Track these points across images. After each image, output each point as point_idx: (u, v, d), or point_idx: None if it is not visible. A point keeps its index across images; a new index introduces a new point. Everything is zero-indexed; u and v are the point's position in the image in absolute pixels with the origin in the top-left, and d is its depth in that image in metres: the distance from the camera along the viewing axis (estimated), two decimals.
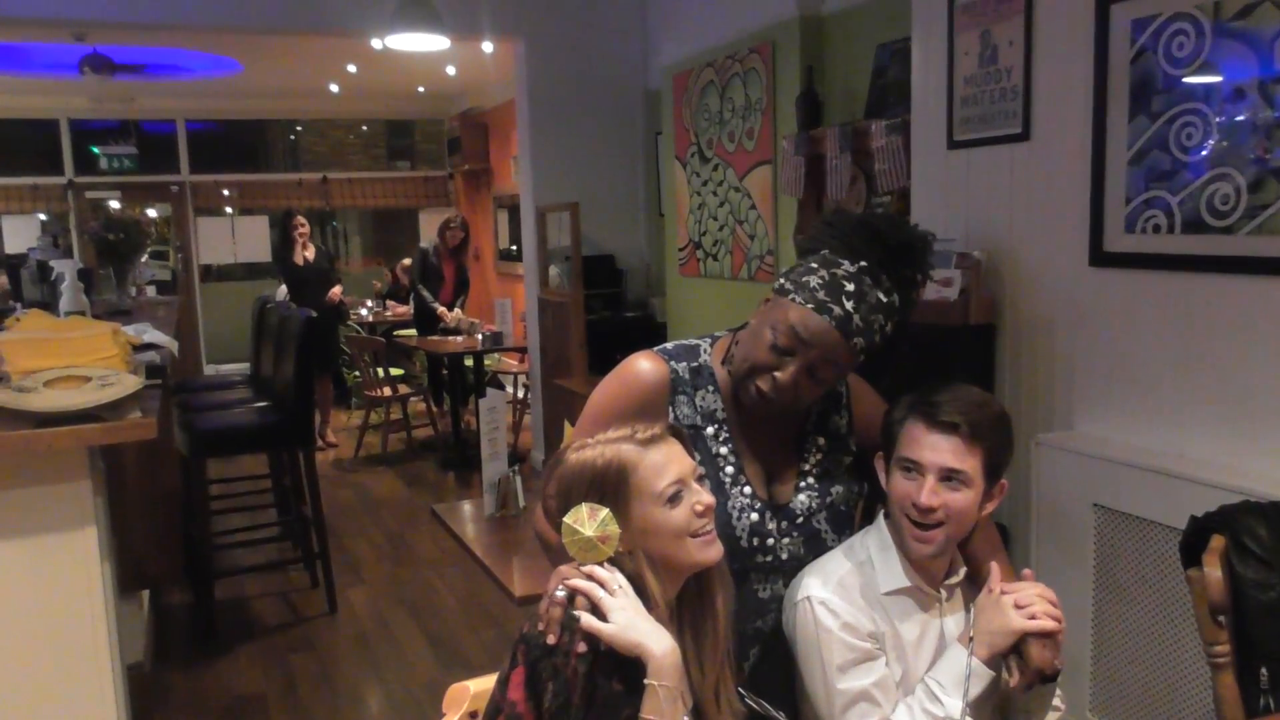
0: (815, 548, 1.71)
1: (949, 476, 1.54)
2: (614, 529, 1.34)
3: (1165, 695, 2.52)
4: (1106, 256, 2.78)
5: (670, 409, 1.68)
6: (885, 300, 1.58)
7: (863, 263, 1.59)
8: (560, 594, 1.36)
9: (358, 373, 7.64)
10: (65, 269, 3.92)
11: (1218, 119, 2.48)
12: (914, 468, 1.56)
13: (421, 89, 9.60)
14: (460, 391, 7.15)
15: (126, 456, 3.08)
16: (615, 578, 1.35)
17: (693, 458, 1.45)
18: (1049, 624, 1.50)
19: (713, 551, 1.41)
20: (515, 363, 7.94)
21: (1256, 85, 2.37)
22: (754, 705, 1.33)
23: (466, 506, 4.60)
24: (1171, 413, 2.64)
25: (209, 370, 9.40)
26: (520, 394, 7.57)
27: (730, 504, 1.66)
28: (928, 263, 1.68)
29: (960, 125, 3.24)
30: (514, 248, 8.91)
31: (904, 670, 1.61)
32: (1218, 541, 1.92)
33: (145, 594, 3.98)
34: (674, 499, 1.38)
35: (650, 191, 6.42)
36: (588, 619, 1.31)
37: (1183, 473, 2.48)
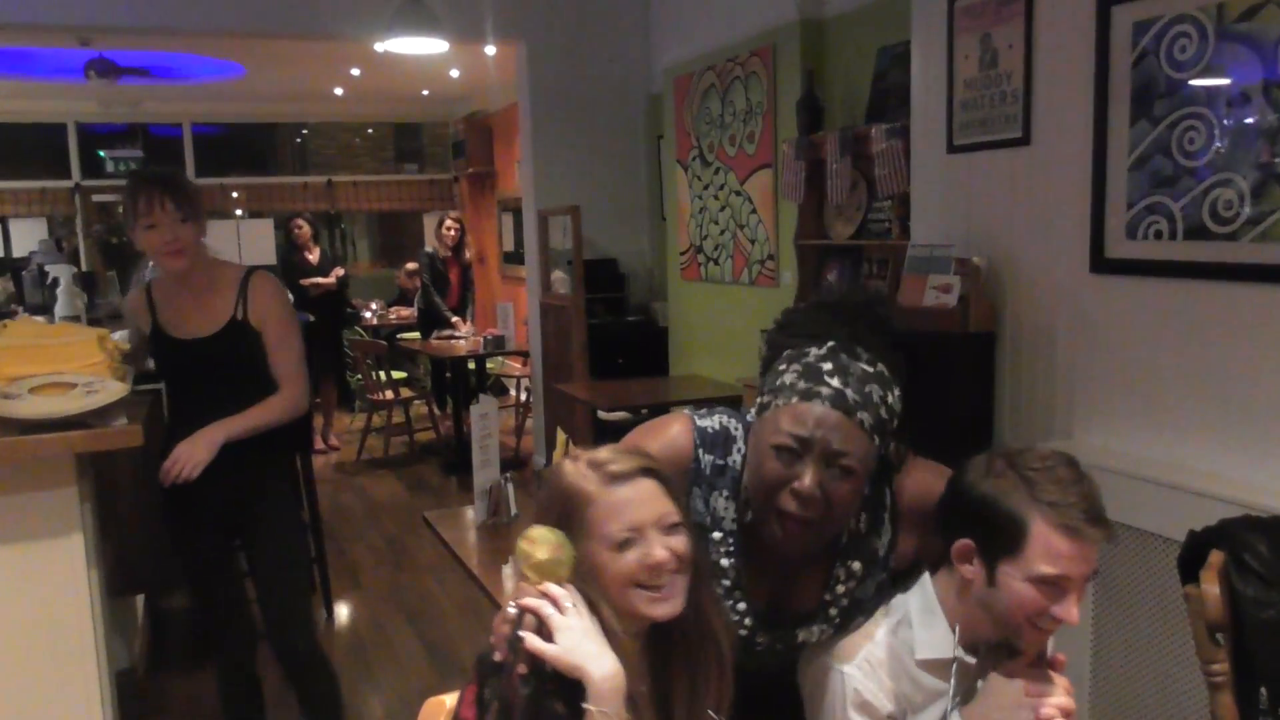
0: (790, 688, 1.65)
1: (1084, 581, 1.44)
2: (569, 555, 1.29)
3: (1164, 711, 2.48)
4: (1107, 263, 2.74)
5: (685, 495, 1.56)
6: (872, 370, 1.45)
7: (830, 342, 1.47)
8: (512, 611, 1.31)
9: (359, 376, 7.63)
10: (61, 274, 3.91)
11: (1221, 123, 2.44)
12: (1056, 583, 1.39)
13: (426, 92, 9.60)
14: (463, 395, 7.13)
15: (120, 460, 3.06)
16: (570, 594, 1.28)
17: (674, 504, 1.36)
18: None
19: (663, 609, 1.32)
20: (519, 366, 7.92)
21: (1261, 88, 2.34)
22: None
23: (466, 513, 4.63)
24: (1173, 422, 2.60)
25: None
26: (524, 398, 7.55)
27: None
28: (892, 322, 1.57)
29: (960, 129, 3.20)
30: (519, 251, 8.90)
31: None
32: (1216, 557, 1.88)
33: (139, 598, 3.96)
34: (624, 545, 1.31)
35: (653, 195, 6.40)
36: (530, 639, 1.25)
37: (1183, 484, 2.44)
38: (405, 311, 8.93)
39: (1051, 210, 2.90)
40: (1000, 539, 1.42)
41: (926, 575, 1.57)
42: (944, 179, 3.28)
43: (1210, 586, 1.82)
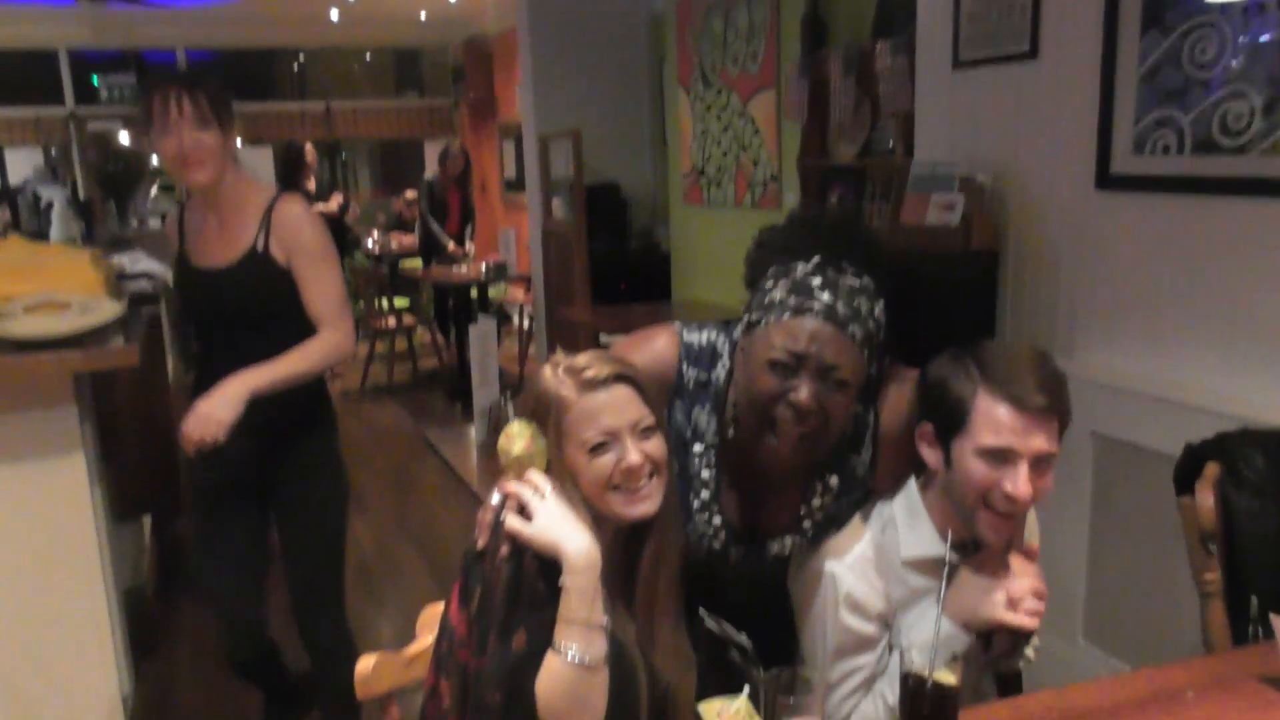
0: (777, 574, 1.65)
1: (1039, 462, 1.42)
2: (541, 448, 1.33)
3: (1157, 623, 2.51)
4: (1113, 179, 2.70)
5: (667, 406, 1.58)
6: (858, 284, 1.45)
7: (816, 258, 1.47)
8: (495, 500, 1.36)
9: (362, 303, 7.61)
10: (54, 197, 3.87)
11: (1235, 34, 2.38)
12: (1002, 456, 1.41)
13: (423, 16, 9.42)
14: (465, 322, 7.12)
15: (118, 383, 3.06)
16: (547, 481, 1.33)
17: (649, 408, 1.36)
18: (1027, 624, 1.43)
19: (638, 509, 1.34)
20: (521, 293, 7.90)
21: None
22: (714, 627, 1.30)
23: (468, 433, 4.62)
24: (1175, 340, 2.58)
25: None
26: (526, 324, 7.54)
27: (690, 527, 1.60)
28: (871, 237, 1.58)
29: (966, 44, 3.13)
30: (520, 177, 8.82)
31: (918, 625, 1.56)
32: (1212, 469, 1.88)
33: (146, 520, 3.99)
34: (598, 449, 1.33)
35: (655, 119, 6.31)
36: (510, 519, 1.30)
37: (1182, 400, 2.44)
38: (407, 239, 8.88)
39: (1058, 126, 2.84)
40: (951, 416, 1.44)
41: (911, 479, 1.58)
42: (949, 96, 3.22)
43: (1205, 497, 1.83)
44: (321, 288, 2.28)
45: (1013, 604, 1.44)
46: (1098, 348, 2.78)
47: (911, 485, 1.58)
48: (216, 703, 3.11)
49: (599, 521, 1.34)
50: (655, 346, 1.61)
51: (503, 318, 8.06)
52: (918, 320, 3.05)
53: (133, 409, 3.23)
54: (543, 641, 1.27)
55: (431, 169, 8.16)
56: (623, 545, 1.40)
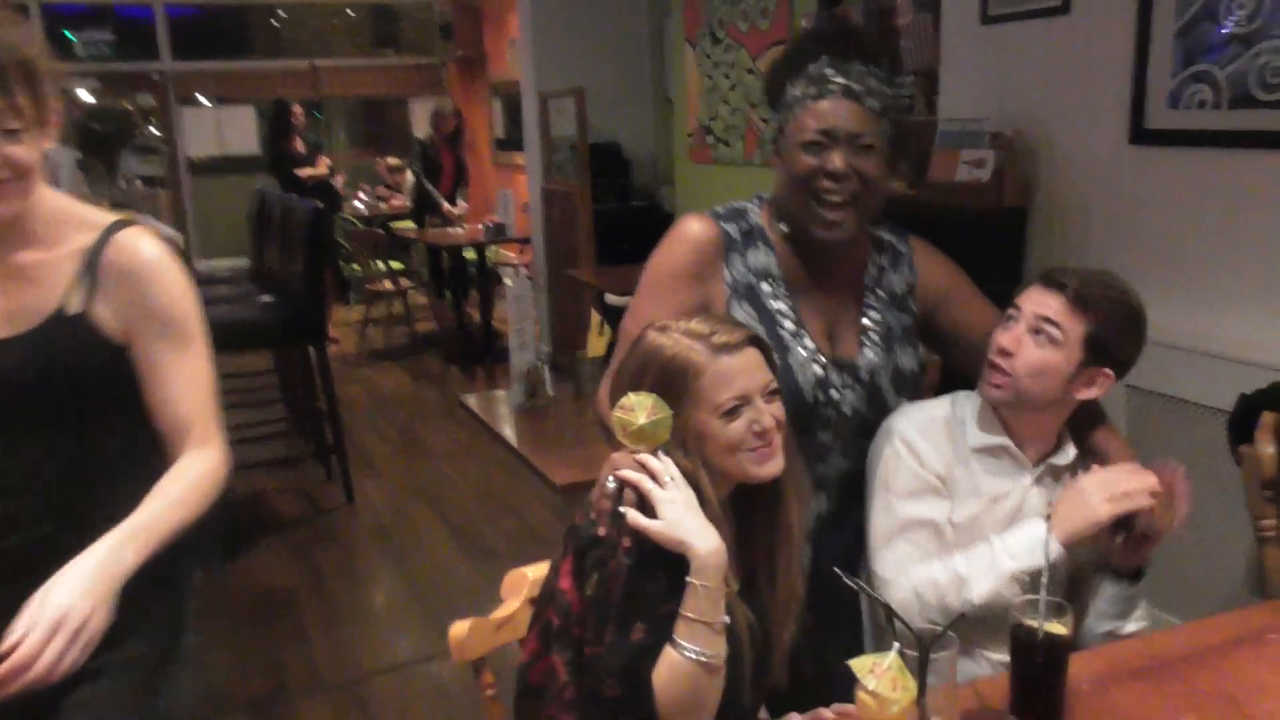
0: (878, 405, 1.72)
1: (1039, 329, 1.54)
2: (666, 417, 1.30)
3: (1196, 574, 2.56)
4: (1148, 134, 2.72)
5: (726, 269, 1.68)
6: (867, 69, 1.62)
7: (826, 55, 1.63)
8: (611, 485, 1.33)
9: (356, 265, 7.55)
10: (62, 159, 3.79)
11: None
12: (1013, 314, 1.58)
13: None
14: (463, 284, 7.08)
15: None
16: (668, 468, 1.31)
17: (773, 370, 1.39)
18: (1137, 503, 1.47)
19: (769, 467, 1.36)
20: (514, 255, 7.85)
21: None
22: (854, 585, 1.30)
23: (497, 396, 4.58)
24: (1211, 296, 2.61)
25: (201, 266, 9.27)
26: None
27: (791, 358, 1.65)
28: (873, 39, 1.79)
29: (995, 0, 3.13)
30: (510, 136, 8.73)
31: (975, 525, 1.61)
32: (1270, 418, 1.91)
33: None
34: (732, 413, 1.33)
35: (657, 76, 6.25)
36: (634, 516, 1.28)
37: (1222, 353, 2.47)
38: (398, 200, 8.80)
39: (1090, 81, 2.85)
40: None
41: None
42: (977, 51, 3.22)
43: (1265, 445, 1.87)
44: (186, 378, 1.50)
45: (1114, 498, 1.48)
46: None
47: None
48: (251, 666, 3.13)
49: (721, 480, 1.34)
50: (691, 229, 1.70)
51: (495, 279, 8.01)
52: None
53: None
54: (662, 636, 1.26)
55: (423, 128, 8.05)
56: (734, 505, 1.40)
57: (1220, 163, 2.55)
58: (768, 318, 1.67)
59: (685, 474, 1.33)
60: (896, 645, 1.10)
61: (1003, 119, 3.07)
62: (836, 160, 1.57)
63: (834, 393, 1.67)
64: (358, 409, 5.91)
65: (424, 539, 4.05)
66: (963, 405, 1.68)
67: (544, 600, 1.42)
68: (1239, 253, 2.53)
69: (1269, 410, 1.94)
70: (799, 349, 1.66)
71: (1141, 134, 2.73)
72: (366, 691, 2.97)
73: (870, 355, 1.71)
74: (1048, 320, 1.55)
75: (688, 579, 1.26)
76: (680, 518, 1.27)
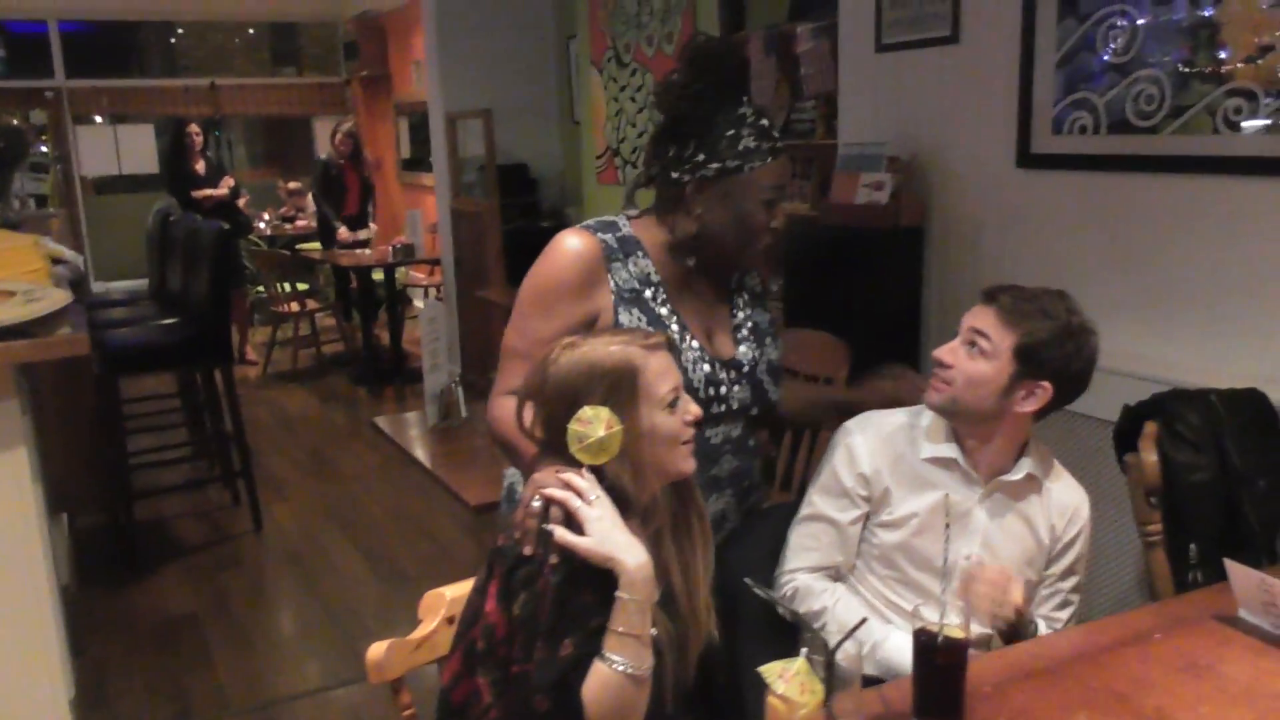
0: (760, 398, 1.82)
1: (973, 341, 1.64)
2: (620, 431, 1.33)
3: (1097, 576, 2.68)
4: (1034, 158, 2.86)
5: (610, 277, 1.71)
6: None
7: (743, 97, 1.72)
8: (536, 504, 1.35)
9: (261, 288, 7.41)
10: None
11: (1142, 20, 2.55)
12: (957, 331, 1.68)
13: None
14: (370, 305, 7.01)
15: (43, 377, 2.95)
16: (593, 486, 1.34)
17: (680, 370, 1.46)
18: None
19: (692, 462, 1.44)
20: (423, 276, 7.80)
21: None
22: (763, 595, 1.35)
23: (409, 418, 4.56)
24: (1097, 310, 2.67)
25: (98, 287, 8.97)
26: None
27: (683, 358, 1.71)
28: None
29: (889, 28, 3.25)
30: (417, 156, 8.68)
31: (917, 524, 1.69)
32: (1151, 428, 2.04)
33: (64, 517, 3.86)
34: (673, 405, 1.39)
35: (563, 98, 6.30)
36: (561, 533, 1.30)
37: (1105, 365, 2.58)
38: (301, 222, 8.66)
39: (980, 107, 2.99)
40: None
41: None
42: (873, 78, 3.34)
43: (1148, 454, 1.99)
44: None
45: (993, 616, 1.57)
46: None
47: None
48: (156, 694, 3.05)
49: (644, 487, 1.38)
50: (571, 244, 1.72)
51: (404, 301, 7.94)
52: (847, 295, 3.19)
53: (58, 404, 3.11)
54: (590, 649, 1.29)
55: (325, 148, 7.95)
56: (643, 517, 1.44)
57: (1100, 184, 2.70)
58: (656, 321, 1.73)
59: (610, 489, 1.36)
60: (804, 650, 1.14)
61: (899, 143, 3.20)
62: (781, 217, 1.73)
63: (723, 389, 1.75)
64: (265, 431, 5.80)
65: (335, 562, 3.99)
66: (926, 417, 1.75)
67: (467, 622, 1.43)
68: (1120, 269, 2.67)
69: (1150, 420, 2.06)
70: (687, 348, 1.74)
71: (1027, 158, 2.87)
72: (276, 717, 2.92)
73: (746, 350, 1.82)
74: (979, 332, 1.63)
75: (617, 594, 1.29)
76: (608, 533, 1.30)
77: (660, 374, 1.39)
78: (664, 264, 1.77)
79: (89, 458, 3.63)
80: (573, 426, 1.33)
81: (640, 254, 1.75)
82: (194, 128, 7.07)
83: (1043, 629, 1.68)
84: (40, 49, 9.12)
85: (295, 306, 7.09)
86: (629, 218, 1.81)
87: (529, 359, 1.57)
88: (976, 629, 1.54)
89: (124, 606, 3.64)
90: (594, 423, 1.32)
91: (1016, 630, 1.58)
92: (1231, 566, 1.59)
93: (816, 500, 1.76)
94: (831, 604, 1.70)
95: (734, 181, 1.68)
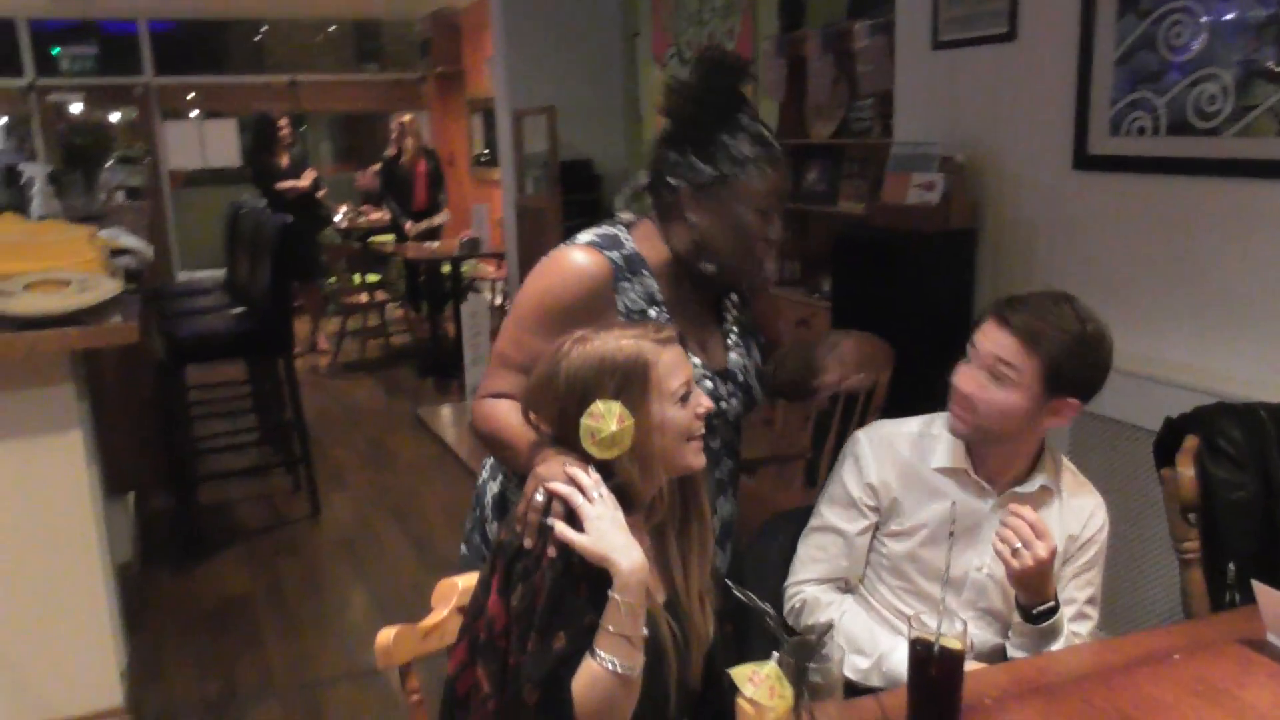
0: (749, 402, 1.82)
1: (996, 372, 1.57)
2: (631, 425, 1.33)
3: (1133, 594, 2.61)
4: (1090, 159, 2.79)
5: (618, 297, 1.69)
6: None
7: (744, 108, 1.69)
8: (539, 498, 1.36)
9: (334, 279, 7.58)
10: (35, 173, 3.83)
11: (1206, 18, 2.46)
12: (970, 352, 1.61)
13: None
14: (438, 298, 7.11)
15: (105, 363, 3.06)
16: (597, 484, 1.34)
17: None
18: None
19: (703, 458, 1.43)
20: (493, 269, 7.89)
21: None
22: (741, 596, 1.35)
23: (446, 410, 4.60)
24: (1150, 317, 2.67)
25: (182, 276, 9.28)
26: (499, 300, 7.54)
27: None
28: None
29: (945, 25, 3.20)
30: (489, 152, 8.77)
31: (926, 535, 1.67)
32: (1190, 442, 1.96)
33: (130, 497, 4.00)
34: (684, 399, 1.39)
35: (629, 95, 6.32)
36: (561, 528, 1.31)
37: (1157, 375, 2.53)
38: (376, 214, 8.82)
39: (1036, 107, 2.92)
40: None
41: None
42: (928, 76, 3.28)
43: (1185, 469, 1.91)
44: None
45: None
46: None
47: None
48: (207, 670, 3.14)
49: (651, 482, 1.39)
50: (579, 263, 1.69)
51: (474, 292, 8.04)
52: (896, 297, 3.14)
53: (120, 387, 3.23)
54: (582, 645, 1.30)
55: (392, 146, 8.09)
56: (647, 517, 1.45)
57: (1159, 188, 2.62)
58: None
59: (623, 482, 1.37)
60: (775, 654, 1.13)
61: (953, 143, 3.14)
62: (779, 227, 1.69)
63: (722, 403, 1.74)
64: (330, 421, 5.93)
65: (386, 550, 4.07)
66: (931, 425, 1.72)
67: (472, 614, 1.45)
68: (1175, 276, 2.59)
69: (1192, 434, 1.99)
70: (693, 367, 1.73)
71: (1084, 159, 2.80)
72: (319, 697, 2.99)
73: (735, 357, 1.81)
74: (1003, 362, 1.56)
75: (610, 593, 1.29)
76: (606, 533, 1.30)
77: (672, 368, 1.38)
78: (665, 279, 1.75)
79: (156, 441, 3.75)
80: (585, 421, 1.33)
81: (645, 272, 1.73)
82: (283, 121, 7.24)
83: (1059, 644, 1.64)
84: (132, 47, 9.45)
85: (365, 298, 7.23)
86: (626, 226, 1.78)
87: (521, 372, 1.59)
88: (986, 638, 1.52)
89: (183, 586, 3.76)
90: (606, 417, 1.32)
91: (1034, 601, 1.56)
92: (1260, 589, 1.53)
93: (824, 511, 1.75)
94: (838, 616, 1.68)
95: (728, 189, 1.65)
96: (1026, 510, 1.52)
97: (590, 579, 1.31)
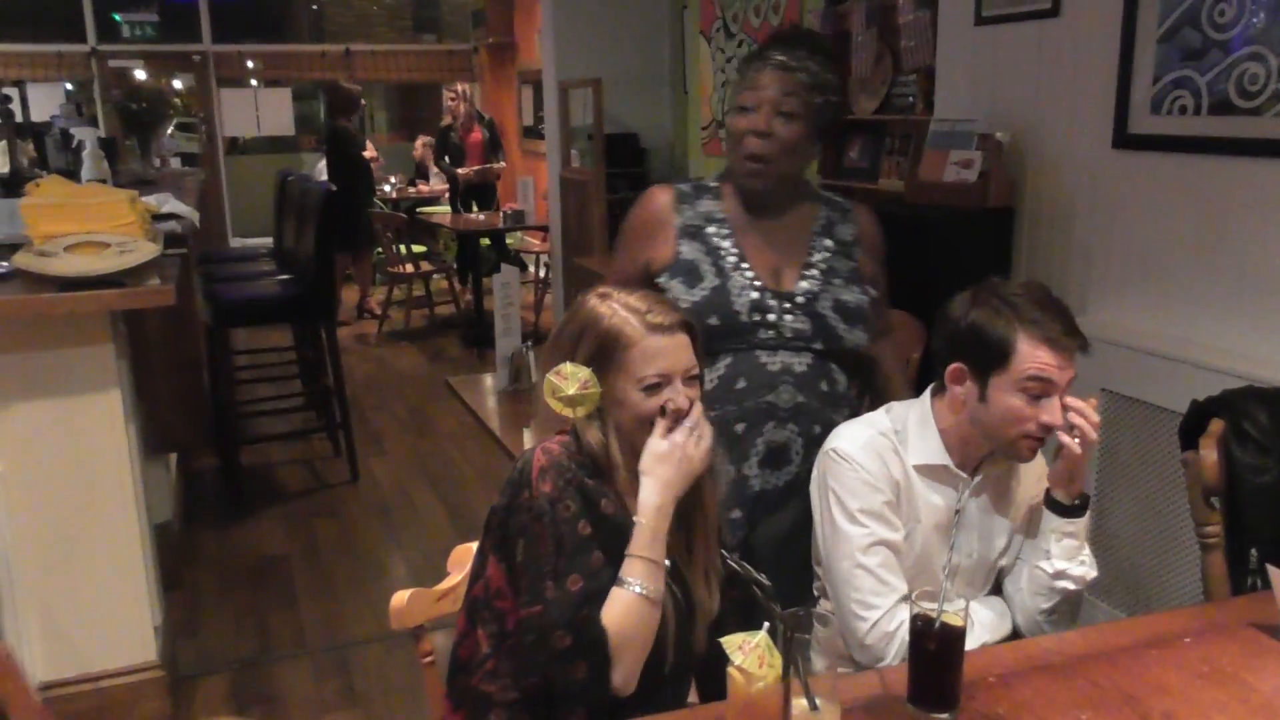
0: (821, 329, 1.91)
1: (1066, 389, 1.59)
2: (594, 394, 1.39)
3: (1158, 575, 2.58)
4: (1130, 138, 2.73)
5: (677, 216, 1.95)
6: (807, 52, 1.90)
7: (780, 44, 1.93)
8: (544, 458, 1.41)
9: (380, 249, 7.67)
10: (86, 137, 3.92)
11: None
12: (1041, 389, 1.56)
13: None
14: (478, 269, 7.17)
15: (150, 324, 3.14)
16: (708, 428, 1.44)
17: (697, 360, 1.47)
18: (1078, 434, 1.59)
19: (663, 445, 1.42)
20: (538, 242, 7.93)
21: None
22: (736, 567, 1.37)
23: (485, 380, 4.66)
24: (1187, 298, 2.62)
25: (235, 243, 9.45)
26: (543, 273, 7.58)
27: (730, 284, 1.89)
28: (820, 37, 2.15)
29: (989, 0, 3.14)
30: (538, 124, 8.79)
31: (919, 538, 1.66)
32: (1215, 425, 1.93)
33: (173, 458, 4.10)
34: (652, 389, 1.41)
35: (675, 68, 6.29)
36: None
37: (1189, 358, 2.48)
38: (425, 186, 8.89)
39: (1077, 85, 2.86)
40: (991, 356, 1.59)
41: (927, 392, 1.72)
42: (970, 51, 3.24)
43: (1208, 452, 1.89)
44: None
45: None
46: (1110, 306, 2.82)
47: (926, 399, 1.71)
48: (242, 628, 3.23)
49: (630, 452, 1.42)
50: (651, 193, 2.02)
51: (520, 266, 8.10)
52: (934, 275, 3.11)
53: (163, 349, 3.31)
54: (598, 583, 1.34)
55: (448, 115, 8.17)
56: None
57: (1200, 168, 2.56)
58: (712, 251, 1.92)
59: (595, 449, 1.42)
60: (766, 624, 1.15)
61: (992, 120, 3.09)
62: (760, 121, 1.87)
63: (771, 315, 1.88)
64: (373, 387, 6.02)
65: (421, 515, 4.14)
66: (900, 419, 1.71)
67: (471, 579, 1.50)
68: (1213, 258, 2.54)
69: (1218, 417, 1.96)
70: (738, 276, 1.90)
71: (1124, 138, 2.74)
72: (349, 657, 3.06)
73: (805, 285, 1.93)
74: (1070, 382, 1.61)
75: (635, 518, 1.37)
76: (678, 459, 1.40)
77: (650, 356, 1.41)
78: (734, 205, 1.97)
79: (200, 402, 3.84)
80: (550, 377, 1.40)
81: (710, 197, 1.99)
82: (357, 89, 7.39)
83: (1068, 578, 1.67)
84: (192, 15, 9.59)
85: (410, 268, 7.31)
86: (723, 177, 2.03)
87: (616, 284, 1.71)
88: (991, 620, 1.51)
89: (223, 545, 3.86)
90: (570, 379, 1.38)
91: (1075, 493, 1.63)
92: (1275, 573, 1.51)
93: (868, 524, 1.65)
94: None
95: (732, 98, 1.94)
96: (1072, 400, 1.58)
97: (587, 515, 1.37)
